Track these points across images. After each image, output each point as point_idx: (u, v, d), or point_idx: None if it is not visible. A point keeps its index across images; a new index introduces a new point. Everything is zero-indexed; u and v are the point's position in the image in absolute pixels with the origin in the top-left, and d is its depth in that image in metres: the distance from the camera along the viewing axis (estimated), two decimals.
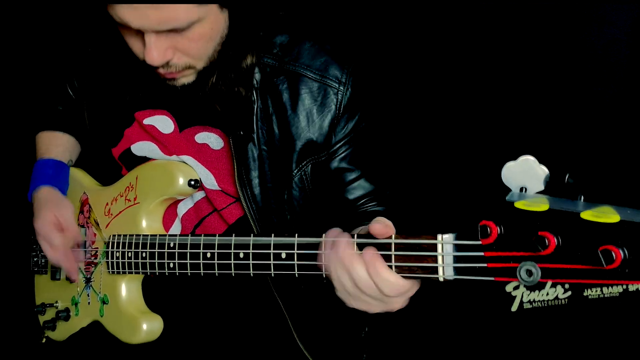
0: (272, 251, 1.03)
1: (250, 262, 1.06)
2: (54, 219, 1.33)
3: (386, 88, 1.84)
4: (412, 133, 1.85)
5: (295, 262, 1.00)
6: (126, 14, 1.01)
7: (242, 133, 1.24)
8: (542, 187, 0.79)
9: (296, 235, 1.00)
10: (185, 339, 1.37)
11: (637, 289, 0.68)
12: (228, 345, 1.36)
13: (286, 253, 1.01)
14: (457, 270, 0.82)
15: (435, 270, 0.84)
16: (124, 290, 1.34)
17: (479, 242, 0.79)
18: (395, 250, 0.87)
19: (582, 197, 0.75)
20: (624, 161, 1.45)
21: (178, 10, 1.01)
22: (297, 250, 0.99)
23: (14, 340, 1.72)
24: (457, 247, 0.82)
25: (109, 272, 1.34)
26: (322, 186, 1.32)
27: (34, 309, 1.51)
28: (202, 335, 1.37)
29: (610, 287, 0.70)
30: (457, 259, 0.82)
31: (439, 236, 0.84)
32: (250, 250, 1.06)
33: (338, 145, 1.30)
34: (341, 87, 1.26)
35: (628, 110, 1.47)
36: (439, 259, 0.83)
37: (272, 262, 1.03)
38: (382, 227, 0.89)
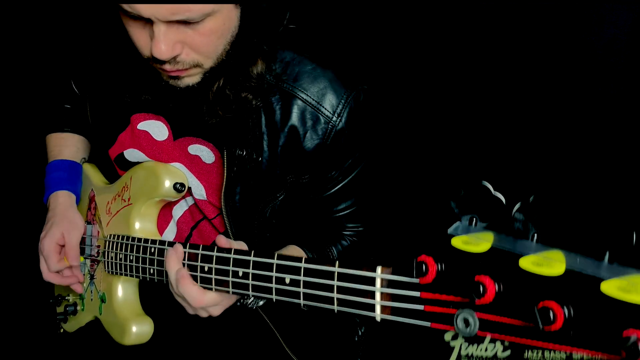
0: (230, 268, 0.96)
1: (213, 276, 1.00)
2: (60, 238, 1.33)
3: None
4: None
5: (250, 281, 0.93)
6: (138, 1, 0.97)
7: (243, 153, 1.19)
8: (494, 219, 0.67)
9: (252, 253, 0.93)
10: (180, 342, 1.35)
11: (583, 358, 0.55)
12: (220, 352, 1.32)
13: (243, 271, 0.94)
14: (393, 311, 0.71)
15: (372, 307, 0.73)
16: (120, 290, 1.34)
17: (417, 280, 0.68)
18: (337, 280, 0.78)
19: (536, 236, 0.62)
20: (615, 175, 1.28)
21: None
22: (253, 269, 0.92)
23: (37, 329, 1.79)
24: (393, 284, 0.71)
25: (107, 271, 1.33)
26: (305, 210, 1.28)
27: (50, 300, 1.55)
28: (196, 340, 1.35)
29: (552, 352, 0.57)
30: (394, 297, 0.71)
31: (378, 269, 0.73)
32: (214, 265, 1.00)
33: (327, 174, 1.25)
34: (334, 117, 1.19)
35: (628, 111, 1.29)
36: (377, 295, 0.73)
37: (230, 279, 0.96)
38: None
